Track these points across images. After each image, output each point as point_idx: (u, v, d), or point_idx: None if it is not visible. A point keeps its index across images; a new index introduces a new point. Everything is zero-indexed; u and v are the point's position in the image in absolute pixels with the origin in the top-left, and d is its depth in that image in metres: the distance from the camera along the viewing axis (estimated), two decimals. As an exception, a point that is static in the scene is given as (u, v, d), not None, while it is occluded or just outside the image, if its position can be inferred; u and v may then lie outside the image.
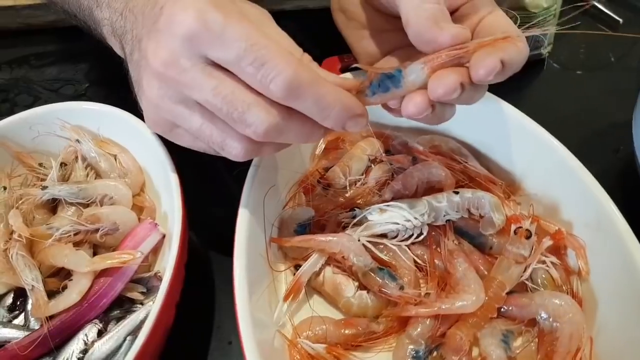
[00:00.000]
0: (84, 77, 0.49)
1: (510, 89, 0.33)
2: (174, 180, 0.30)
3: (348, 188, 0.36)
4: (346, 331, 0.30)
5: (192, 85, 0.23)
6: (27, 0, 0.52)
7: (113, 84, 0.43)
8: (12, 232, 0.31)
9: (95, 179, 0.35)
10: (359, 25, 0.32)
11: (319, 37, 0.38)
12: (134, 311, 0.30)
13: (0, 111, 0.34)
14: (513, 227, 0.31)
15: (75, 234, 0.31)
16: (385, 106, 0.27)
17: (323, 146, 0.38)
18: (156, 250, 0.33)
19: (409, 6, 0.24)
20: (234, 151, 0.25)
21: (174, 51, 0.22)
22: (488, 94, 0.35)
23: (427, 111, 0.24)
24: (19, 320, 0.31)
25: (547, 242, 0.31)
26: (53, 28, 0.53)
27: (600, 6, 0.53)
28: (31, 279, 0.29)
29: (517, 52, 0.23)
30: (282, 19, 0.28)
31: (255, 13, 0.25)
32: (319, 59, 0.28)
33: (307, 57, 0.26)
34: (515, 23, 0.26)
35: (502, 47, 0.23)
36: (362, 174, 0.37)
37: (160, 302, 0.26)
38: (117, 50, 0.30)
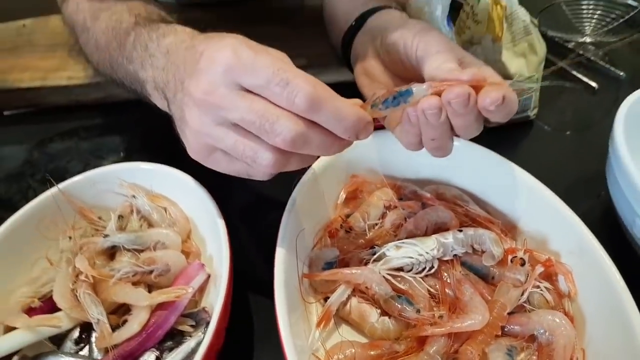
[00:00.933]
0: (127, 145, 0.55)
1: (505, 147, 0.40)
2: (221, 226, 0.36)
3: (367, 231, 0.41)
4: (372, 352, 0.34)
5: (229, 107, 0.28)
6: (79, 80, 0.60)
7: (153, 149, 0.50)
8: (78, 275, 0.36)
9: (148, 228, 0.40)
10: (381, 85, 0.39)
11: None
12: (185, 342, 0.35)
13: (54, 176, 0.40)
14: (510, 257, 0.36)
15: (133, 275, 0.36)
16: (387, 123, 0.34)
17: (344, 196, 0.44)
18: (202, 289, 0.38)
19: (431, 67, 0.31)
20: (264, 162, 0.29)
21: (214, 82, 0.28)
22: (485, 150, 0.42)
23: (437, 110, 0.30)
24: (84, 352, 0.35)
25: (539, 268, 0.36)
26: (99, 104, 0.60)
27: (578, 75, 0.61)
28: (97, 314, 0.34)
29: (512, 93, 0.29)
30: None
31: (277, 52, 0.30)
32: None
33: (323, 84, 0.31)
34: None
35: (503, 87, 0.29)
36: (379, 219, 0.42)
37: (213, 329, 0.31)
38: (159, 102, 0.37)
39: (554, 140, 0.55)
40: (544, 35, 0.61)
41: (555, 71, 0.61)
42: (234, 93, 0.28)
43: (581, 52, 0.62)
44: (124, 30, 0.41)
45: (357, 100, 0.31)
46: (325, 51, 0.55)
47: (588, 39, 0.62)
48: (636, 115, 0.42)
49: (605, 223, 0.42)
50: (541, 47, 0.51)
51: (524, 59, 0.50)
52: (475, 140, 0.36)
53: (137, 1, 0.46)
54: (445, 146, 0.33)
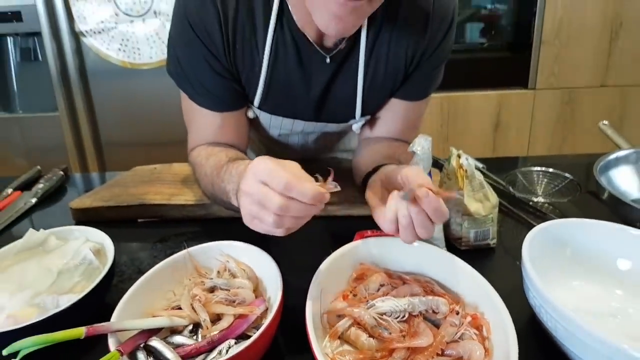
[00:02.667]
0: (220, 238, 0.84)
1: (471, 262, 0.64)
2: (279, 280, 0.61)
3: (367, 296, 0.65)
4: (361, 356, 0.56)
5: (253, 192, 0.56)
6: (190, 202, 0.92)
7: (237, 237, 0.77)
8: (193, 297, 0.62)
9: (234, 278, 0.66)
10: (382, 201, 0.66)
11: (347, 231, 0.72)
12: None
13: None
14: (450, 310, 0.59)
15: (225, 301, 0.62)
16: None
17: (354, 276, 0.68)
18: (263, 315, 0.62)
19: (415, 182, 0.59)
20: (269, 220, 0.54)
21: (249, 179, 0.57)
22: (446, 253, 0.66)
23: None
24: (195, 338, 0.59)
25: (469, 318, 0.58)
26: (202, 219, 0.91)
27: (528, 219, 0.86)
28: (204, 317, 0.59)
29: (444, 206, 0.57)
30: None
31: (291, 163, 0.57)
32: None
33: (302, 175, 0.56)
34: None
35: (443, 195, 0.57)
36: (376, 290, 0.66)
37: (263, 330, 0.55)
38: (234, 201, 0.66)
39: (507, 260, 0.79)
40: (513, 195, 0.89)
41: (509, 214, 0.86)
42: (256, 184, 0.56)
43: (537, 206, 0.89)
44: (221, 165, 0.74)
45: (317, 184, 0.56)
46: (353, 194, 0.85)
47: (541, 199, 0.89)
48: (538, 243, 0.64)
49: (534, 325, 0.63)
50: (493, 197, 0.78)
51: (481, 203, 0.77)
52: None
53: (231, 150, 0.82)
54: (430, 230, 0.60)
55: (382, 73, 0.84)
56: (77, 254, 0.71)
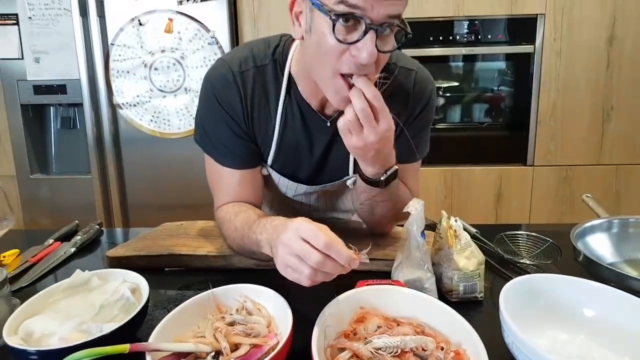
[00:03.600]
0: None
1: (462, 313, 0.74)
2: (289, 318, 0.72)
3: (366, 335, 0.74)
4: (357, 382, 0.65)
5: (293, 246, 0.68)
6: (213, 253, 1.04)
7: (252, 281, 0.88)
8: (215, 329, 0.72)
9: (250, 315, 0.77)
10: None
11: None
12: (262, 369, 0.68)
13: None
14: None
15: (243, 334, 0.72)
16: None
17: (355, 318, 0.78)
18: (274, 346, 0.71)
19: None
20: (306, 271, 0.68)
21: (290, 234, 0.69)
22: (435, 300, 0.77)
23: None
24: (212, 366, 0.69)
25: (452, 354, 0.68)
26: (222, 269, 1.02)
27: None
28: (224, 345, 0.69)
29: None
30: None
31: (326, 227, 0.71)
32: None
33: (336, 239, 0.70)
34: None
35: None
36: (374, 330, 0.76)
37: (276, 351, 0.65)
38: (267, 250, 0.79)
39: (493, 311, 0.88)
40: (501, 256, 1.00)
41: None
42: (298, 240, 0.69)
43: (522, 267, 0.99)
44: (252, 220, 0.87)
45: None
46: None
47: (526, 261, 0.99)
48: (515, 293, 0.75)
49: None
50: (479, 255, 0.89)
51: (468, 260, 0.88)
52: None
53: (257, 209, 0.96)
54: None
55: None
56: (116, 291, 0.82)
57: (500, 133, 2.41)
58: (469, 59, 2.34)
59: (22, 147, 2.29)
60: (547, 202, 2.35)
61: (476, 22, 2.25)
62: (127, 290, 0.82)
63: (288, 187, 1.09)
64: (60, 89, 2.22)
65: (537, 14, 2.20)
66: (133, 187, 2.27)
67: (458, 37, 2.27)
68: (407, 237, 0.88)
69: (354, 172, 1.05)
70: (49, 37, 2.21)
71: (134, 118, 2.18)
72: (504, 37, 2.27)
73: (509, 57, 2.32)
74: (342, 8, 0.73)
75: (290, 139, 1.01)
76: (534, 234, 1.03)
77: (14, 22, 2.23)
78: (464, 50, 2.28)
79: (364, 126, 0.81)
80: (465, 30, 2.27)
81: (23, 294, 0.92)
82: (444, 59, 2.32)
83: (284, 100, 0.97)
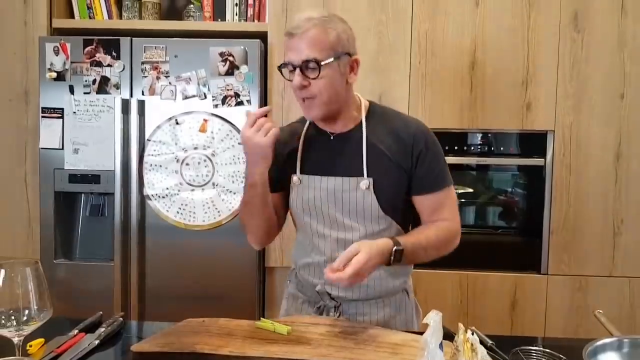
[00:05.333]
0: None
1: None
2: None
3: None
4: None
5: None
6: (236, 353, 1.07)
7: None
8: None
9: None
10: None
11: None
12: None
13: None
14: None
15: None
16: None
17: None
18: None
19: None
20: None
21: None
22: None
23: None
24: None
25: None
26: (244, 368, 1.05)
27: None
28: None
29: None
30: None
31: None
32: None
33: None
34: None
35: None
36: None
37: None
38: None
39: None
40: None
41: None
42: None
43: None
44: None
45: None
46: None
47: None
48: None
49: None
50: (495, 369, 0.92)
51: (485, 373, 0.91)
52: None
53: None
54: None
55: (378, 150, 1.29)
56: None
57: (515, 239, 2.46)
58: (483, 168, 2.46)
59: (49, 232, 2.37)
60: (562, 311, 2.33)
61: (489, 134, 2.40)
62: (154, 388, 0.85)
63: (314, 184, 1.32)
64: (95, 178, 2.35)
65: (546, 130, 2.34)
66: (153, 275, 2.31)
67: (472, 148, 2.40)
68: (426, 348, 0.91)
69: (368, 175, 1.27)
70: (90, 130, 2.38)
71: (161, 209, 2.28)
72: (515, 149, 2.40)
73: (521, 168, 2.44)
74: (282, 63, 1.25)
75: (312, 148, 1.36)
76: (547, 350, 1.05)
77: (59, 115, 2.42)
78: (477, 160, 2.40)
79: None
80: (479, 142, 2.40)
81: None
82: (459, 167, 2.43)
83: (307, 128, 1.38)
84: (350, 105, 1.31)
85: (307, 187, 1.33)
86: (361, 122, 1.31)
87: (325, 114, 1.27)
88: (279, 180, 1.36)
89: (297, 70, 1.20)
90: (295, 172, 1.35)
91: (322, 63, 1.19)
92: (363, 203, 1.28)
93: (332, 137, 1.33)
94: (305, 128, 1.37)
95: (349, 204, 1.29)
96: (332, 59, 1.20)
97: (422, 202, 1.31)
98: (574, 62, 2.29)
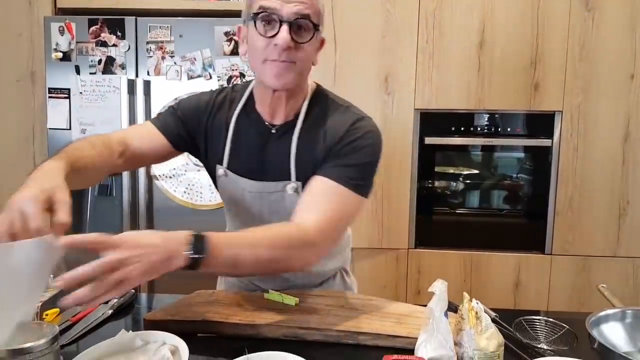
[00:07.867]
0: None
1: None
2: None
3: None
4: None
5: None
6: (244, 322, 1.09)
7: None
8: None
9: None
10: None
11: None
12: None
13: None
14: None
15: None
16: None
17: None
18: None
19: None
20: None
21: None
22: None
23: None
24: None
25: None
26: (251, 338, 1.08)
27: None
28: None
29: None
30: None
31: None
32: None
33: None
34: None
35: None
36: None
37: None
38: None
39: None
40: (519, 340, 1.04)
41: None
42: None
43: (540, 352, 1.02)
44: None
45: None
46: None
47: (543, 346, 1.03)
48: None
49: None
50: (499, 336, 0.93)
51: (489, 341, 0.92)
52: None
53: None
54: None
55: (309, 150, 1.14)
56: (157, 351, 0.88)
57: (519, 220, 2.47)
58: (489, 149, 2.46)
59: (59, 211, 2.41)
60: (565, 290, 2.36)
61: (496, 115, 2.40)
62: (167, 351, 0.88)
63: (240, 184, 1.21)
64: (103, 158, 2.38)
65: (554, 111, 2.33)
66: (161, 254, 2.35)
67: (479, 128, 2.41)
68: (431, 316, 0.93)
69: (297, 179, 1.16)
70: (96, 110, 2.40)
71: (168, 189, 2.31)
72: (522, 130, 2.40)
73: (527, 149, 2.44)
74: (260, 11, 1.00)
75: (243, 141, 1.19)
76: (551, 320, 1.07)
77: (66, 96, 2.44)
78: (483, 141, 2.41)
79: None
80: (486, 123, 2.41)
81: (64, 352, 0.97)
82: (464, 147, 2.44)
83: (239, 113, 1.19)
84: (303, 89, 1.16)
85: (233, 183, 1.23)
86: (299, 113, 1.16)
87: (294, 87, 1.09)
88: (184, 141, 1.24)
89: (286, 26, 0.99)
90: (220, 163, 1.22)
91: (320, 27, 1.04)
92: (290, 205, 1.18)
93: (273, 131, 1.17)
94: (237, 112, 1.19)
95: (277, 204, 1.21)
96: (320, 28, 1.06)
97: (308, 184, 1.11)
98: (584, 42, 2.28)
